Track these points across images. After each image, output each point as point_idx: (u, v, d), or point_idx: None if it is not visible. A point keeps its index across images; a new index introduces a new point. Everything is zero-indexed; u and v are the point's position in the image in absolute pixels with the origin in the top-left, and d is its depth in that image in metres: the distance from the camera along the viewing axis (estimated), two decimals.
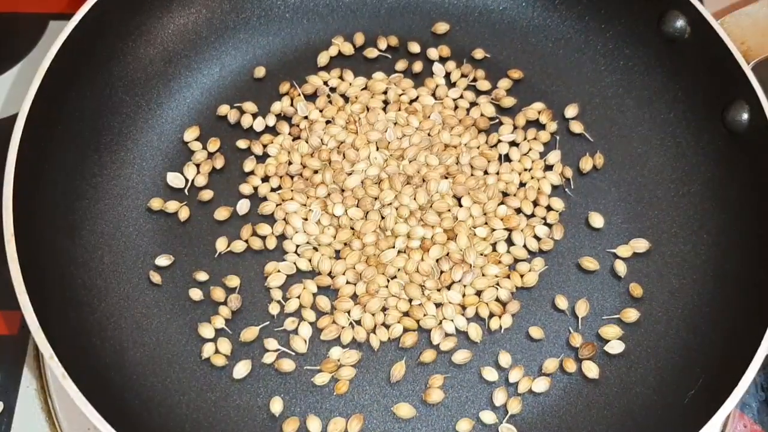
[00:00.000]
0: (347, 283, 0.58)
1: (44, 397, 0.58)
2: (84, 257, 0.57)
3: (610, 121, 0.64)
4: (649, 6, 0.62)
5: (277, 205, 0.60)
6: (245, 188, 0.61)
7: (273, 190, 0.61)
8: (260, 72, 0.65)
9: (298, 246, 0.59)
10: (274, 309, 0.57)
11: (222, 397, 0.55)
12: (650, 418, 0.53)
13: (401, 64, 0.66)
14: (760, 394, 0.59)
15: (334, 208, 0.59)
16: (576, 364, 0.56)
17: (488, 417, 0.54)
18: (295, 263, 0.58)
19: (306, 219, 0.59)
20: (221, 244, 0.59)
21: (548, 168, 0.62)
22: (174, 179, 0.61)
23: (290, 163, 0.62)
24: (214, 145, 0.63)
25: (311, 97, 0.65)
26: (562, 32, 0.67)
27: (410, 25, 0.68)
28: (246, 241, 0.59)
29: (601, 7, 0.65)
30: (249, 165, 0.62)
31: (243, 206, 0.60)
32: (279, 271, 0.58)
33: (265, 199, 0.61)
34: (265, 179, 0.61)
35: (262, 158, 0.62)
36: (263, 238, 0.59)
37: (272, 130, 0.64)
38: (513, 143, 0.63)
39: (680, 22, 0.60)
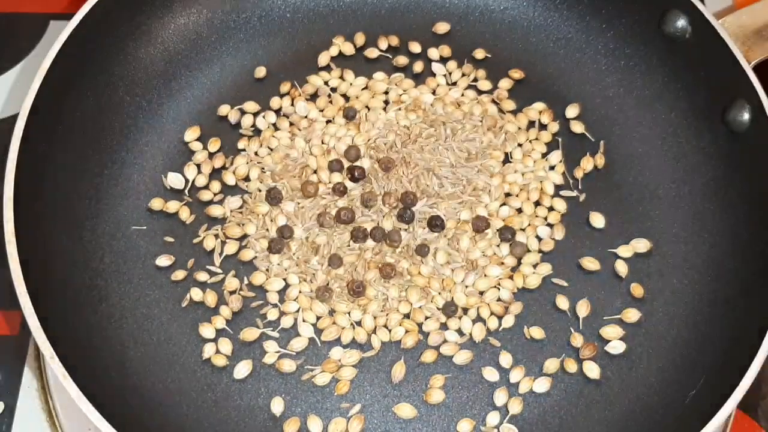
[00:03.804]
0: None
1: (45, 397, 0.58)
2: (85, 257, 0.57)
3: (611, 121, 0.64)
4: (650, 6, 0.62)
5: (275, 205, 0.60)
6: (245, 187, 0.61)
7: (271, 189, 0.61)
8: (261, 72, 0.65)
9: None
10: (274, 309, 0.57)
11: (223, 398, 0.54)
12: (651, 418, 0.53)
13: (402, 60, 0.66)
14: None
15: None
16: (577, 365, 0.56)
17: (489, 417, 0.54)
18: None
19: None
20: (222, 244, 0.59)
21: (550, 168, 0.62)
22: (174, 179, 0.61)
23: (290, 163, 0.62)
24: (214, 145, 0.62)
25: (312, 97, 0.65)
26: (563, 32, 0.67)
27: (411, 25, 0.68)
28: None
29: (602, 7, 0.65)
30: (248, 165, 0.61)
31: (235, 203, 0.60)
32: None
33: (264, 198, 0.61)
34: (264, 179, 0.61)
35: (261, 157, 0.62)
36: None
37: (271, 129, 0.63)
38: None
39: (681, 22, 0.60)
